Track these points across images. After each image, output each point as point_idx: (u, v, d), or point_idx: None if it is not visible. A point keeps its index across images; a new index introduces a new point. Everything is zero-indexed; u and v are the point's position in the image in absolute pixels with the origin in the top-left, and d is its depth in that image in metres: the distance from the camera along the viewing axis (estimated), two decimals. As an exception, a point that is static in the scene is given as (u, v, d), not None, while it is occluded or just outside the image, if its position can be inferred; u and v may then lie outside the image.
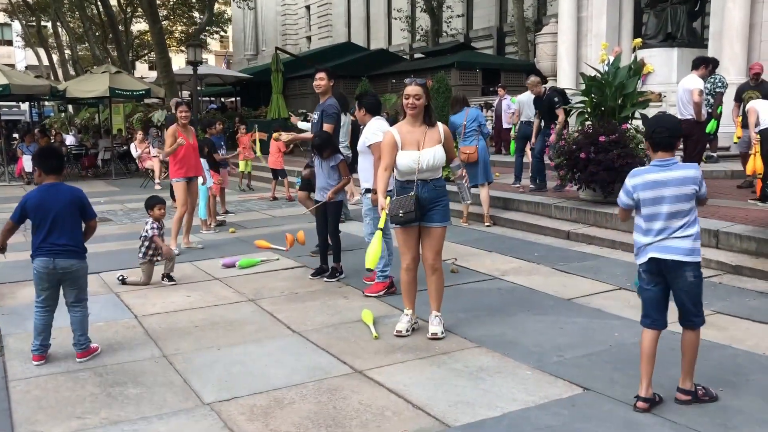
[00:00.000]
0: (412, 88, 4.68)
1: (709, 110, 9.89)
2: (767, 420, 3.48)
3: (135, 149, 16.50)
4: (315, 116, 7.13)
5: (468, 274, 6.64)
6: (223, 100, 35.10)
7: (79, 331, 4.50)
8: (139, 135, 16.62)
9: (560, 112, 9.60)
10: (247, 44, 52.86)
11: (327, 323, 5.24)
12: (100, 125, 22.31)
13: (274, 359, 4.49)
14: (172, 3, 39.71)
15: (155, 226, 6.43)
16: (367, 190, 6.04)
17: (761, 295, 5.70)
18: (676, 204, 3.60)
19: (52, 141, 18.39)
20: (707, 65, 9.18)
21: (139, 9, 34.02)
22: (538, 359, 4.39)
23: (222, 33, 51.29)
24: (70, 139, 21.39)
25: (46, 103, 37.28)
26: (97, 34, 37.62)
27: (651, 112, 11.63)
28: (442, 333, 4.81)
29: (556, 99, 9.68)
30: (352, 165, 9.37)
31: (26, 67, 46.90)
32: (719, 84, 10.95)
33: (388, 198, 4.74)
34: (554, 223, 8.55)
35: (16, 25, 51.09)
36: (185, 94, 27.88)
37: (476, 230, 8.81)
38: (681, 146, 9.05)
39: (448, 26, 31.18)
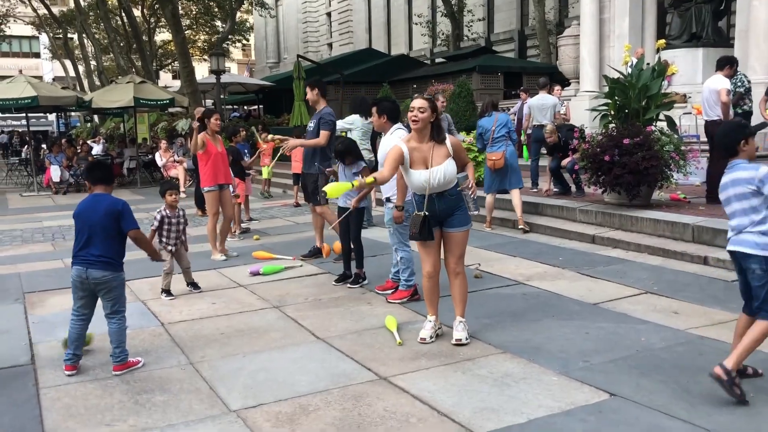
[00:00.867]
0: (417, 101, 4.67)
1: (737, 110, 9.73)
2: (800, 426, 3.41)
3: (160, 158, 16.69)
4: (311, 125, 7.32)
5: (492, 279, 6.61)
6: (246, 107, 35.41)
7: (114, 343, 4.50)
8: (163, 144, 16.82)
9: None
10: (269, 52, 53.27)
11: (351, 330, 5.25)
12: (125, 134, 22.59)
13: (298, 366, 4.51)
14: (194, 13, 40.15)
15: (158, 217, 6.22)
16: (388, 200, 6.02)
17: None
18: (738, 203, 3.83)
19: (78, 151, 18.66)
20: (732, 65, 9.04)
21: (163, 19, 34.48)
22: (564, 365, 4.35)
23: (244, 41, 51.72)
24: (97, 149, 21.70)
25: (73, 113, 37.99)
26: (121, 44, 38.21)
27: (676, 113, 11.53)
28: (467, 339, 4.79)
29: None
30: (374, 169, 9.45)
31: (53, 79, 47.72)
32: (740, 83, 10.78)
33: (371, 178, 4.65)
34: (579, 227, 8.48)
35: (44, 38, 52.08)
36: (209, 102, 28.19)
37: (500, 235, 8.78)
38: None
39: (469, 30, 31.13)
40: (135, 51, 36.84)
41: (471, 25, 31.25)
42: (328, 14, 46.71)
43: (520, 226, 8.80)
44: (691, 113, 12.32)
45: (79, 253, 4.43)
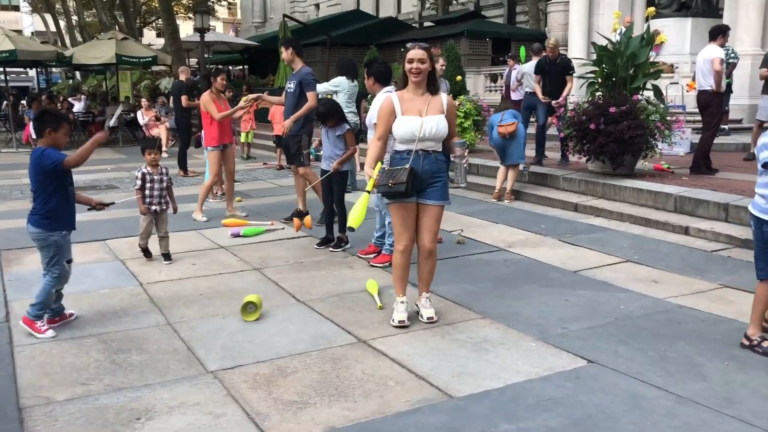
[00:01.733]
0: (415, 52, 4.29)
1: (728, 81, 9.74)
2: (772, 395, 3.45)
3: (142, 117, 16.42)
4: (291, 86, 7.22)
5: (474, 245, 6.60)
6: (231, 67, 34.87)
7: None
8: (145, 102, 16.51)
9: (571, 81, 9.59)
10: (255, 11, 52.29)
11: (332, 293, 5.23)
12: (107, 92, 22.18)
13: (278, 328, 4.49)
14: (179, -32, 39.23)
15: (138, 175, 6.05)
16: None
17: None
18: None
19: (59, 107, 18.32)
20: (725, 34, 8.99)
21: (146, -26, 33.66)
22: (543, 331, 4.37)
23: (230, 0, 50.75)
24: (78, 106, 21.29)
25: (54, 69, 37.18)
26: (104, 0, 37.29)
27: (662, 83, 11.49)
28: (436, 315, 4.58)
29: (572, 65, 9.72)
30: (359, 133, 9.34)
31: (33, 33, 46.63)
32: (732, 55, 10.75)
33: (379, 164, 4.43)
34: (562, 195, 8.48)
35: (23, -10, 50.73)
36: (193, 61, 27.70)
37: (484, 202, 8.76)
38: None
39: (458, -6, 30.72)
40: (118, 7, 36.03)
41: (461, -11, 30.82)
42: (316, -26, 45.80)
43: (506, 200, 8.75)
44: (677, 83, 12.30)
45: None
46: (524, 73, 10.90)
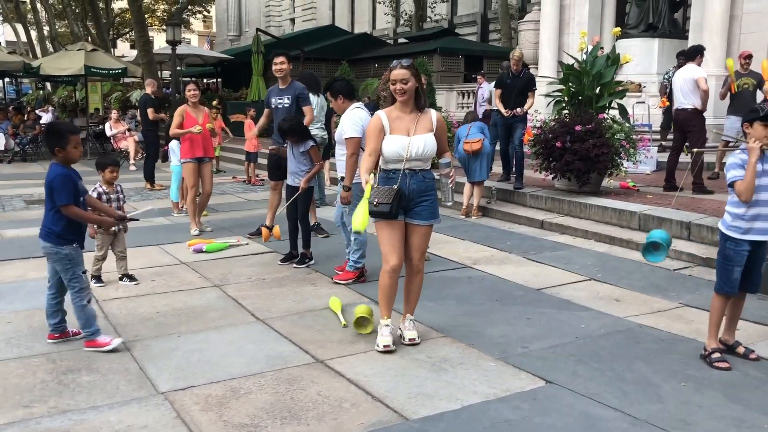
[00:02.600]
0: (397, 73, 4.20)
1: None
2: (726, 416, 3.44)
3: (110, 129, 16.20)
4: (284, 101, 7.04)
5: (439, 262, 6.57)
6: (205, 81, 34.64)
7: (77, 320, 4.41)
8: (114, 114, 16.32)
9: (532, 97, 9.20)
10: (230, 25, 52.18)
11: (292, 310, 5.15)
12: (77, 104, 21.88)
13: (234, 347, 4.40)
14: (153, -20, 39.03)
15: (94, 195, 5.62)
16: (342, 178, 5.88)
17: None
18: None
19: (26, 119, 18.01)
20: (702, 54, 9.16)
21: (120, -14, 33.41)
22: (503, 351, 4.34)
23: (205, 13, 50.58)
24: (46, 117, 20.94)
25: (24, 80, 36.64)
26: (76, 11, 36.92)
27: (629, 102, 11.64)
28: (418, 336, 4.50)
29: (534, 81, 9.34)
30: (328, 148, 9.28)
31: (5, 43, 45.96)
32: (666, 76, 11.08)
33: (372, 174, 4.31)
34: (529, 212, 8.51)
35: (-6, 0, 49.95)
36: (166, 74, 27.45)
37: (451, 217, 8.74)
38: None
39: (432, 11, 30.94)
40: (91, 18, 35.66)
41: (434, 6, 31.07)
42: (292, -12, 45.88)
43: (473, 217, 8.76)
44: (644, 102, 12.46)
45: None
46: (491, 90, 10.98)
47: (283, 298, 5.45)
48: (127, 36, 48.77)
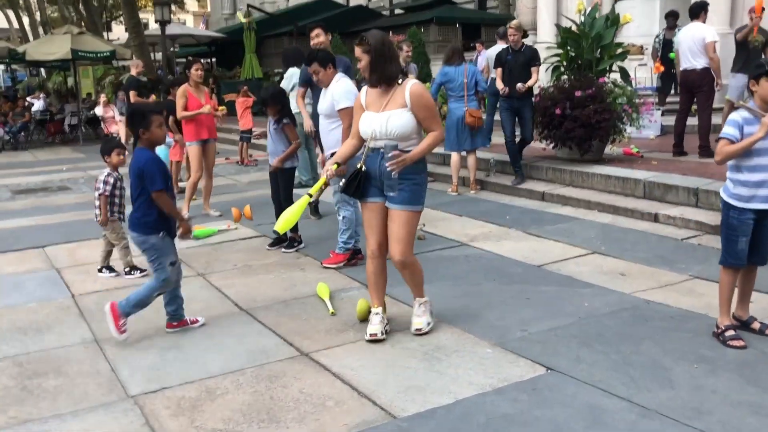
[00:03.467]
0: (356, 50, 3.98)
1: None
2: (743, 402, 3.15)
3: (101, 111, 15.84)
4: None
5: (435, 240, 6.27)
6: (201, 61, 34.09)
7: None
8: (103, 98, 15.95)
9: (537, 72, 8.05)
10: (224, 3, 51.21)
11: (278, 299, 4.87)
12: (69, 89, 21.51)
13: (214, 342, 4.12)
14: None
15: (108, 180, 5.45)
16: (332, 155, 5.54)
17: (742, 257, 5.38)
18: None
19: (16, 107, 17.68)
20: (706, 11, 8.69)
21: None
22: (501, 335, 4.05)
23: (199, -8, 49.85)
24: (38, 105, 20.61)
25: (18, 67, 36.12)
26: (66, -6, 36.27)
27: (631, 65, 11.22)
28: (429, 324, 4.10)
29: (538, 55, 8.12)
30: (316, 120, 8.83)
31: (-2, 30, 45.35)
32: (657, 40, 10.70)
33: (336, 165, 4.09)
34: (529, 184, 8.16)
35: (-16, -13, 49.26)
36: (159, 55, 26.97)
37: (447, 194, 8.40)
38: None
39: (428, -20, 30.20)
40: (82, 1, 35.02)
41: (430, -25, 30.31)
42: (285, -37, 45.00)
43: (471, 191, 8.40)
44: (646, 65, 12.03)
45: None
46: (488, 57, 10.52)
47: (269, 286, 5.16)
48: (121, 19, 48.08)
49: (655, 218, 6.51)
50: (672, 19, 11.19)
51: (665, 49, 10.74)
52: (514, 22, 8.39)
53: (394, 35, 19.64)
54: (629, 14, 8.82)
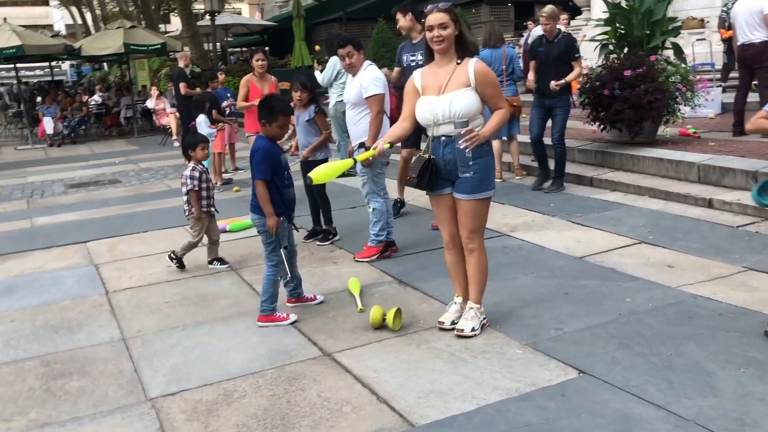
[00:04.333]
0: (434, 17, 3.64)
1: None
2: (795, 412, 2.88)
3: (152, 105, 16.14)
4: (416, 58, 5.88)
5: (474, 231, 6.05)
6: (253, 49, 34.32)
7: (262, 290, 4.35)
8: (154, 90, 16.21)
9: (579, 66, 7.13)
10: (277, -10, 51.67)
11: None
12: (125, 82, 21.99)
13: (238, 341, 4.06)
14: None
15: (194, 174, 5.39)
16: (361, 145, 5.41)
17: (803, 246, 5.00)
18: None
19: (73, 102, 18.17)
20: None
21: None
22: (533, 334, 3.84)
23: (253, -19, 50.16)
24: (96, 98, 21.14)
25: (80, 63, 37.26)
26: (125, -12, 36.99)
27: (689, 40, 10.65)
28: (473, 330, 3.84)
29: (576, 46, 7.22)
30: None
31: (65, 27, 46.89)
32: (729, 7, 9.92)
33: (389, 145, 3.92)
34: (576, 169, 7.83)
35: (52, -16, 50.91)
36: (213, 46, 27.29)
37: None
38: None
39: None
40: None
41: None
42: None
43: (517, 177, 8.12)
44: (706, 39, 11.41)
45: None
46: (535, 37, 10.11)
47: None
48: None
49: (709, 204, 6.13)
50: None
51: None
52: (546, 9, 7.15)
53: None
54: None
